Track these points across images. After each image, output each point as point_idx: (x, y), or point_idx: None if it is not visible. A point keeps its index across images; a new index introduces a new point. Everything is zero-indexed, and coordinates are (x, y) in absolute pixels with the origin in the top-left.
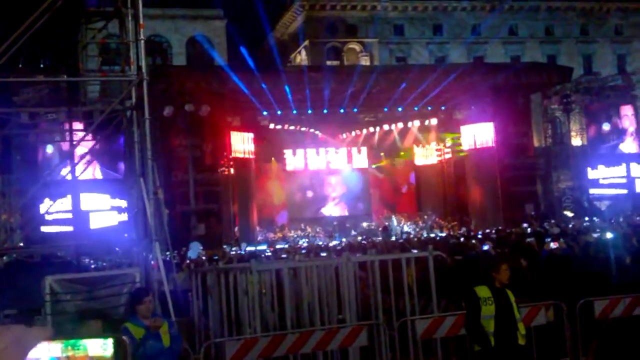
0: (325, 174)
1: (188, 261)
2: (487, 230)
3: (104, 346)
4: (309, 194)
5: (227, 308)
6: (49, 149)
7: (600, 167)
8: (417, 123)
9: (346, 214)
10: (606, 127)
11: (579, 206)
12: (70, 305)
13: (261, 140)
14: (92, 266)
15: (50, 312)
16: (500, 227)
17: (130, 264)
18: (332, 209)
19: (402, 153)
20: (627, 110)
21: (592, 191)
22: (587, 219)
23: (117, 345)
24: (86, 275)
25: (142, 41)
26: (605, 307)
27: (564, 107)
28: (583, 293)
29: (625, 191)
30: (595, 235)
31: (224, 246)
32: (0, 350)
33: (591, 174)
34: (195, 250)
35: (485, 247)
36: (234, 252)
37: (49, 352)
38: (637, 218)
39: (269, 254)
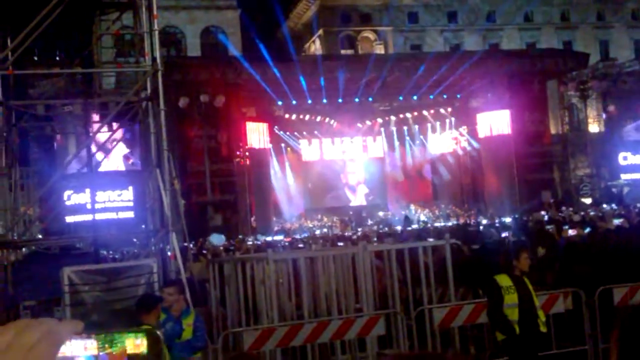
0: (342, 163)
1: (206, 251)
2: (504, 219)
3: (138, 341)
4: (323, 184)
5: (245, 298)
6: (68, 140)
7: (626, 154)
8: (432, 111)
9: (363, 201)
10: (611, 109)
11: (607, 193)
12: (88, 296)
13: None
14: (116, 256)
15: (69, 303)
16: (517, 215)
17: (148, 254)
18: (352, 196)
19: (417, 141)
20: None
21: (624, 177)
22: (614, 206)
23: (151, 340)
24: (104, 266)
25: (156, 32)
26: (625, 295)
27: (581, 93)
28: (602, 280)
29: None
30: (616, 222)
31: (240, 236)
32: (33, 344)
33: (623, 160)
34: (218, 239)
35: (504, 234)
36: (250, 243)
37: (85, 350)
38: None
39: (286, 244)
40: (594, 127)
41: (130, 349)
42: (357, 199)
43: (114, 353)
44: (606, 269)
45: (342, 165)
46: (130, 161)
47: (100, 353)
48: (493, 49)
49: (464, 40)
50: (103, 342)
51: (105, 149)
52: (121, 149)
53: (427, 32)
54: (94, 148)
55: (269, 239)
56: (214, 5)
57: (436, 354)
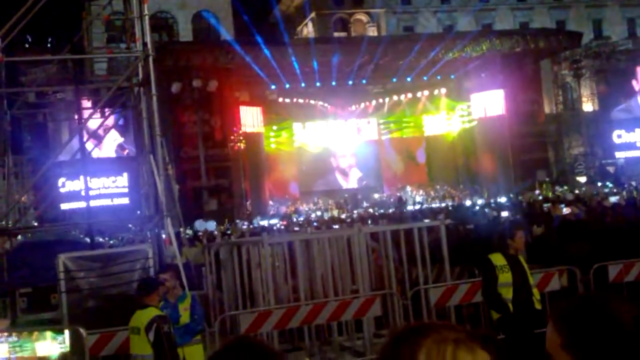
0: (335, 146)
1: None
2: (499, 198)
3: (57, 341)
4: (318, 167)
5: (241, 281)
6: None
7: (620, 132)
8: (426, 93)
9: (356, 185)
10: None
11: (602, 171)
12: (84, 283)
13: (270, 114)
14: (111, 242)
15: (65, 289)
16: (511, 195)
17: (143, 240)
18: (343, 181)
19: (412, 123)
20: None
21: (618, 155)
22: (608, 184)
23: (75, 338)
24: (99, 253)
25: (147, 17)
26: (620, 272)
27: (575, 72)
28: (597, 258)
29: None
30: (612, 199)
31: (237, 221)
32: None
33: (617, 139)
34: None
35: (504, 214)
36: (245, 227)
37: None
38: None
39: (282, 227)
40: (587, 106)
41: (42, 352)
42: (350, 183)
43: (24, 356)
44: (601, 247)
45: (332, 150)
46: (126, 151)
47: (11, 356)
48: (486, 30)
49: (457, 21)
50: (13, 345)
51: (97, 136)
52: (115, 138)
53: (420, 14)
54: (86, 135)
55: (264, 223)
56: None
57: (436, 323)
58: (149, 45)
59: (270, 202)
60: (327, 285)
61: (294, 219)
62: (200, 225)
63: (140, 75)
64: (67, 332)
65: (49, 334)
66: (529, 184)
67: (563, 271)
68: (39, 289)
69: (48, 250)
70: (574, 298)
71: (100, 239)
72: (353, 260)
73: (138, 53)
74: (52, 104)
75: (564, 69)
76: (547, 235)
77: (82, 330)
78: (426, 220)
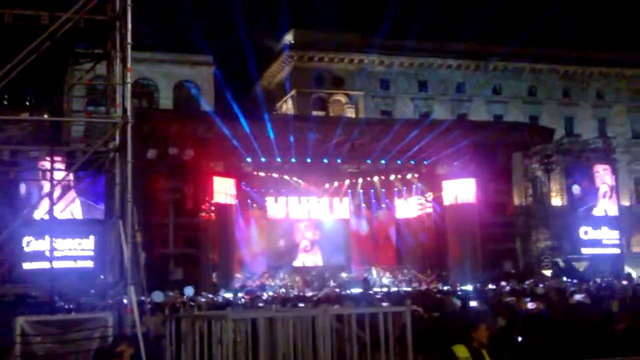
0: (305, 222)
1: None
2: (465, 287)
3: None
4: (287, 242)
5: (201, 356)
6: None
7: (587, 228)
8: (399, 176)
9: (321, 264)
10: (576, 189)
11: (567, 266)
12: (40, 348)
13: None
14: (71, 306)
15: (20, 354)
16: (478, 285)
17: (104, 307)
18: (306, 258)
19: (383, 205)
20: (601, 170)
21: (584, 251)
22: (566, 279)
23: None
24: (58, 318)
25: (129, 84)
26: None
27: (545, 167)
28: (560, 354)
29: (618, 251)
30: (578, 297)
31: (202, 293)
32: None
33: (584, 235)
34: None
35: (473, 304)
36: (203, 299)
37: None
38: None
39: (246, 301)
40: (556, 201)
41: None
42: (315, 262)
43: None
44: (563, 343)
45: (294, 226)
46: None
47: None
48: (461, 119)
49: (433, 109)
50: None
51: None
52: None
53: (397, 99)
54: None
55: (229, 295)
56: (189, 60)
57: None
58: (129, 112)
59: (237, 275)
60: None
61: (258, 294)
62: (188, 291)
63: (117, 141)
64: None
65: None
66: (496, 274)
67: None
68: None
69: (7, 311)
70: None
71: (61, 303)
72: (316, 341)
73: (117, 119)
74: (25, 162)
75: (534, 163)
76: (511, 329)
77: None
78: (386, 304)
